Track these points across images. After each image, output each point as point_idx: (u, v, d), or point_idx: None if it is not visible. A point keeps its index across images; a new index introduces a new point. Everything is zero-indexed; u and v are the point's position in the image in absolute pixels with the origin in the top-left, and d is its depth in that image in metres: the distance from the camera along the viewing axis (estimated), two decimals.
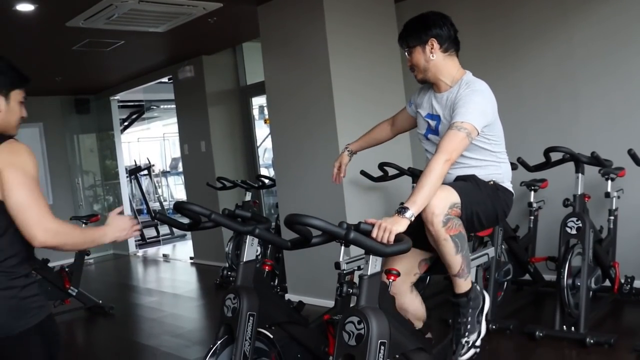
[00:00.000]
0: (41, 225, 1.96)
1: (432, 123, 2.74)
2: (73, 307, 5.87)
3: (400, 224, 2.25)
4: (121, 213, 2.25)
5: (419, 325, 2.73)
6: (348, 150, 3.28)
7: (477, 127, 2.49)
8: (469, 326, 2.66)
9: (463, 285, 2.62)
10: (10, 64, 2.21)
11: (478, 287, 2.73)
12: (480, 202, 2.58)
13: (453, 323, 2.72)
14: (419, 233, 2.52)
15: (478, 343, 2.71)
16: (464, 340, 2.68)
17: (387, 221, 2.25)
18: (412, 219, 2.30)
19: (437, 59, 2.66)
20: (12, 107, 2.18)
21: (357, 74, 5.06)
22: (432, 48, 2.65)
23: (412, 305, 2.72)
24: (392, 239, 2.21)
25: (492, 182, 2.67)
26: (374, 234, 2.22)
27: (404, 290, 2.71)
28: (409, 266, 2.70)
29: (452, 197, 2.46)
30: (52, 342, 2.10)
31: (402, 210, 2.29)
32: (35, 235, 1.95)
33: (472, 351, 2.70)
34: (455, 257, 2.51)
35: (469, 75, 2.69)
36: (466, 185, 2.58)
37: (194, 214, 2.82)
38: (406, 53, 2.73)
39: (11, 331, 1.99)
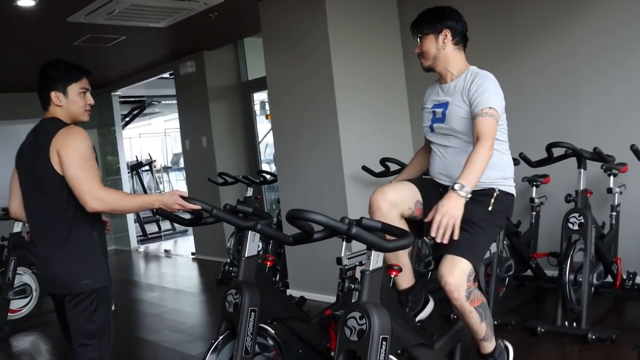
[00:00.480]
0: (91, 194, 2.40)
1: (439, 110, 2.76)
2: None
3: (460, 208, 2.33)
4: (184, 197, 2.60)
5: (404, 254, 2.74)
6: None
7: (499, 111, 2.57)
8: None
9: (488, 346, 2.72)
10: (64, 67, 2.69)
11: (502, 344, 2.82)
12: (485, 243, 2.70)
13: None
14: (422, 184, 2.74)
15: None
16: None
17: (446, 212, 2.31)
18: (465, 190, 2.35)
19: (447, 50, 2.72)
20: (71, 99, 2.64)
21: (358, 69, 5.05)
22: (445, 38, 2.71)
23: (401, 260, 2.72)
24: (457, 231, 2.32)
25: (495, 196, 2.64)
26: (438, 237, 2.29)
27: (393, 214, 2.67)
28: (406, 198, 2.71)
29: (466, 269, 2.53)
30: (108, 307, 2.61)
31: (460, 187, 2.35)
32: (87, 202, 2.42)
33: None
34: (480, 325, 2.61)
35: (474, 68, 2.75)
36: (470, 239, 2.57)
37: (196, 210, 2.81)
38: (418, 39, 2.77)
39: (72, 290, 2.50)
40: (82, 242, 2.56)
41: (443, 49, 2.72)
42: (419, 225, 2.79)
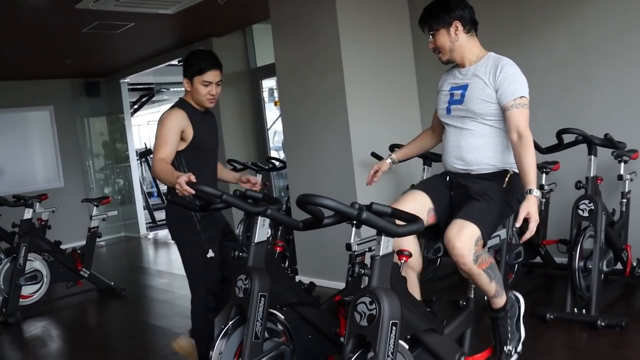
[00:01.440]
0: (155, 157, 3.05)
1: (457, 92, 2.75)
2: (85, 289, 5.93)
3: (536, 207, 2.48)
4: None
5: (413, 275, 2.72)
6: (391, 159, 3.22)
7: (527, 97, 2.62)
8: (509, 335, 2.79)
9: (499, 302, 2.76)
10: (197, 59, 3.14)
11: (513, 296, 2.85)
12: (496, 217, 2.68)
13: (494, 334, 2.84)
14: (435, 186, 2.77)
15: (519, 348, 2.85)
16: (506, 349, 2.79)
17: (534, 214, 2.45)
18: (537, 192, 2.51)
19: (461, 40, 2.72)
20: (195, 87, 3.16)
21: (368, 54, 5.02)
22: (456, 30, 2.70)
23: (410, 246, 2.66)
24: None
25: (507, 177, 2.70)
26: (531, 231, 2.46)
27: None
28: (419, 210, 2.68)
29: (474, 233, 2.53)
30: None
31: (531, 191, 2.50)
32: (152, 164, 3.08)
33: (514, 357, 2.83)
34: (490, 285, 2.65)
35: (493, 53, 2.75)
36: (480, 208, 2.61)
37: (206, 195, 2.82)
38: (430, 36, 2.75)
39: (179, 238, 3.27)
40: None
41: (456, 40, 2.71)
42: (434, 228, 2.79)
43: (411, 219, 2.22)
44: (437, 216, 2.76)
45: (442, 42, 2.72)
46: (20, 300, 5.42)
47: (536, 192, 2.49)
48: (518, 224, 2.45)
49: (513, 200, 2.70)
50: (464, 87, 2.72)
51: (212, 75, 3.14)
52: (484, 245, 2.60)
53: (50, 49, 7.24)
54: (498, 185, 2.68)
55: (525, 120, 2.59)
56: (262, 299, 2.76)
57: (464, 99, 2.71)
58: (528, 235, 2.46)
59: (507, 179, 2.69)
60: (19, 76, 8.66)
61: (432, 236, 2.95)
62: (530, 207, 2.45)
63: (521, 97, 2.60)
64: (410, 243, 2.63)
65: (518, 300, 2.87)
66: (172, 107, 3.23)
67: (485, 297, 2.76)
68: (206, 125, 3.31)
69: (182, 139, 3.14)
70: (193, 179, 2.73)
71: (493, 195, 2.64)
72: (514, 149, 2.60)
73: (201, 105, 3.23)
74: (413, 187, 2.94)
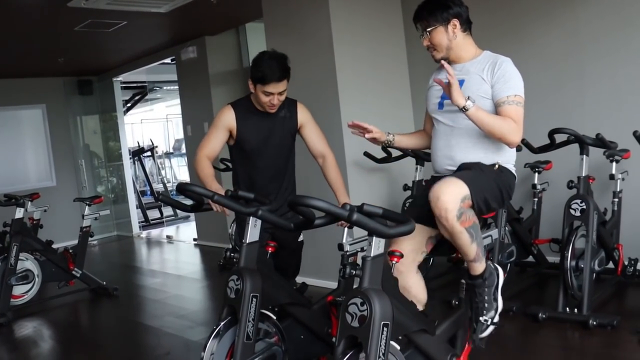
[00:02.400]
0: (198, 151, 3.20)
1: None
2: (77, 289, 5.90)
3: (461, 96, 2.45)
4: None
5: (419, 308, 2.72)
6: (389, 138, 3.02)
7: (523, 97, 2.59)
8: (486, 304, 2.70)
9: (478, 267, 2.64)
10: (263, 69, 3.06)
11: (492, 265, 2.75)
12: (487, 188, 2.58)
13: (470, 303, 2.74)
14: (425, 211, 2.54)
15: (496, 319, 2.75)
16: (482, 319, 2.71)
17: (452, 84, 2.43)
18: (470, 109, 2.46)
19: (458, 39, 2.68)
20: (257, 93, 3.14)
21: (360, 54, 5.02)
22: (454, 28, 2.66)
23: (416, 287, 2.69)
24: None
25: (497, 166, 2.66)
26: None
27: (410, 269, 2.68)
28: (417, 244, 2.68)
29: (461, 190, 2.45)
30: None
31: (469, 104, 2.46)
32: (195, 156, 3.22)
33: (490, 328, 2.74)
34: (470, 246, 2.53)
35: (489, 52, 2.72)
36: (472, 173, 2.56)
37: (197, 196, 2.81)
38: (427, 34, 2.68)
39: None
40: None
41: (454, 38, 2.66)
42: (424, 212, 2.73)
43: (402, 219, 2.22)
44: (433, 243, 2.73)
45: (439, 41, 2.67)
46: (12, 300, 5.39)
47: (468, 104, 2.46)
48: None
49: (502, 186, 2.64)
50: (460, 83, 2.63)
51: (274, 87, 3.08)
52: (472, 206, 2.50)
53: (43, 47, 7.20)
54: (490, 167, 2.63)
55: (517, 115, 2.54)
56: (254, 299, 2.75)
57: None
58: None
59: (496, 167, 2.64)
60: (10, 74, 8.61)
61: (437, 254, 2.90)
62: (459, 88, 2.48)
63: (516, 95, 2.57)
64: (405, 242, 2.61)
65: (497, 270, 2.77)
66: (230, 103, 3.31)
67: (464, 263, 2.67)
68: (259, 127, 3.24)
69: (230, 135, 3.24)
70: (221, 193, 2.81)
71: (484, 169, 2.59)
72: None
73: (266, 110, 3.21)
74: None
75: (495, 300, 2.75)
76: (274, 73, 3.06)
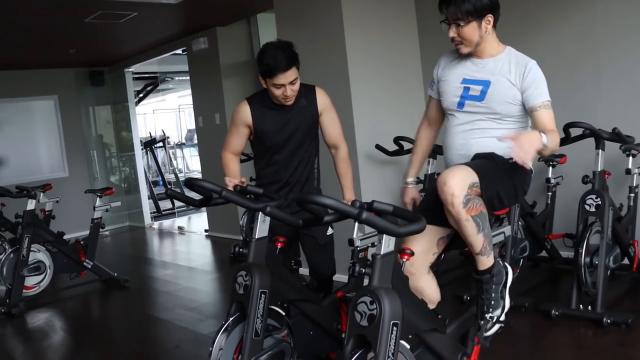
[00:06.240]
0: (223, 149, 3.30)
1: (476, 87, 2.58)
2: (88, 280, 5.92)
3: (536, 144, 2.28)
4: None
5: (431, 307, 2.68)
6: (413, 181, 2.99)
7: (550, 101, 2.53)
8: (492, 302, 2.62)
9: (486, 262, 2.55)
10: (267, 64, 2.94)
11: (501, 262, 2.67)
12: (500, 181, 2.51)
13: (477, 299, 2.67)
14: (437, 210, 2.48)
15: (502, 318, 2.69)
16: (488, 316, 2.64)
17: (524, 141, 2.23)
18: (545, 143, 2.32)
19: (489, 34, 2.56)
20: (268, 87, 3.03)
21: (372, 46, 4.96)
22: (488, 24, 2.53)
23: (428, 287, 2.64)
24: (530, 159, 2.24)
25: (513, 159, 2.58)
26: (515, 153, 2.21)
27: (422, 271, 2.63)
28: (428, 245, 2.62)
29: (470, 176, 2.37)
30: None
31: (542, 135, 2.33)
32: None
33: (497, 326, 2.68)
34: (477, 236, 2.44)
35: (511, 48, 2.63)
36: (485, 163, 2.49)
37: (206, 191, 2.79)
38: (459, 26, 2.52)
39: None
40: None
41: (486, 35, 2.54)
42: (436, 212, 2.66)
43: (413, 218, 2.18)
44: (446, 242, 2.68)
45: (471, 35, 2.53)
46: (24, 291, 5.42)
47: (544, 139, 2.31)
48: (501, 138, 2.34)
49: (518, 182, 2.57)
50: (485, 84, 2.56)
51: (283, 78, 2.95)
52: (481, 196, 2.41)
53: (54, 39, 7.20)
54: (505, 160, 2.53)
55: (552, 120, 2.49)
56: (263, 295, 2.72)
57: (486, 96, 2.56)
58: (516, 154, 2.22)
59: (512, 160, 2.43)
60: (23, 66, 8.63)
61: (450, 248, 2.82)
62: (526, 135, 2.29)
63: (547, 100, 2.51)
64: (416, 243, 2.55)
65: (506, 269, 2.71)
66: (246, 97, 3.21)
67: (472, 257, 2.59)
68: (278, 121, 3.14)
69: (250, 130, 3.18)
70: (230, 186, 2.89)
71: (498, 162, 2.51)
72: None
73: (282, 103, 3.09)
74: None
75: (503, 298, 2.68)
76: (279, 62, 2.92)
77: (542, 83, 2.53)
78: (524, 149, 2.21)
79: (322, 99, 3.24)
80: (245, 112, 3.14)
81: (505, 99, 2.53)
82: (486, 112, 2.57)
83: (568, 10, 4.53)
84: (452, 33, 2.55)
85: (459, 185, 2.33)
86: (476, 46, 2.56)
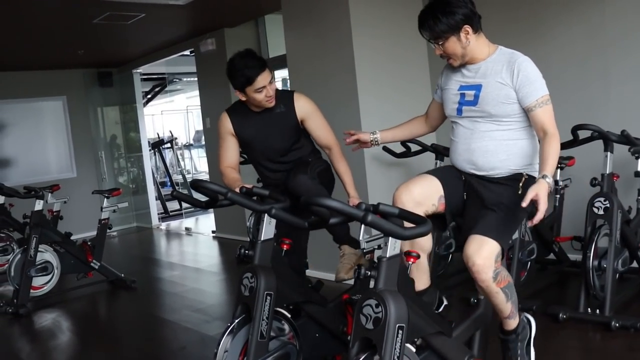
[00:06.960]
0: (219, 167, 3.30)
1: (470, 92, 2.62)
2: (95, 281, 5.94)
3: (546, 192, 2.35)
4: None
5: (423, 256, 2.64)
6: (374, 137, 3.13)
7: (548, 92, 2.56)
8: (519, 359, 2.73)
9: (512, 324, 2.69)
10: (236, 67, 3.07)
11: (525, 318, 2.78)
12: (513, 228, 2.64)
13: (503, 357, 2.78)
14: (449, 175, 2.69)
15: None
16: None
17: (542, 197, 2.30)
18: (550, 180, 2.38)
19: (472, 43, 2.56)
20: (250, 97, 3.10)
21: (380, 46, 4.95)
22: (467, 34, 2.53)
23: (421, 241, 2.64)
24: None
25: (524, 178, 2.62)
26: (540, 215, 2.31)
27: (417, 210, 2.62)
28: (429, 191, 2.64)
29: (494, 249, 2.47)
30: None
31: (545, 176, 2.37)
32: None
33: None
34: (506, 304, 2.59)
35: (504, 48, 2.64)
36: (499, 220, 2.54)
37: (211, 192, 2.78)
38: (439, 44, 2.57)
39: None
40: None
41: (468, 45, 2.55)
42: (441, 218, 2.72)
43: (419, 220, 2.16)
44: (446, 205, 2.68)
45: (454, 50, 2.57)
46: (31, 291, 5.43)
47: (549, 180, 2.37)
48: (524, 204, 2.32)
49: (525, 212, 2.58)
50: (477, 88, 2.59)
51: (262, 80, 3.05)
52: (503, 256, 2.56)
53: (62, 40, 7.22)
54: (513, 191, 2.58)
55: (550, 117, 2.52)
56: (268, 297, 2.73)
57: (479, 100, 2.58)
58: (537, 219, 2.32)
59: (521, 185, 2.59)
60: (31, 66, 8.67)
61: (437, 225, 2.79)
62: (539, 190, 2.31)
63: (543, 95, 2.52)
64: (419, 182, 2.64)
65: (530, 323, 2.79)
66: (226, 109, 3.30)
67: (499, 319, 2.70)
68: (258, 128, 3.24)
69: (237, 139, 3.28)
70: (237, 188, 2.88)
71: (509, 204, 2.55)
72: (540, 144, 2.52)
73: (262, 107, 3.19)
74: (426, 172, 2.80)
75: (528, 354, 2.77)
76: (254, 67, 3.04)
77: (535, 78, 2.53)
78: (546, 201, 2.32)
79: (301, 105, 3.29)
80: (226, 122, 3.27)
81: (498, 99, 2.55)
82: (482, 115, 2.60)
83: (576, 8, 4.49)
84: (438, 51, 2.63)
85: (486, 264, 2.45)
86: (462, 57, 2.60)
